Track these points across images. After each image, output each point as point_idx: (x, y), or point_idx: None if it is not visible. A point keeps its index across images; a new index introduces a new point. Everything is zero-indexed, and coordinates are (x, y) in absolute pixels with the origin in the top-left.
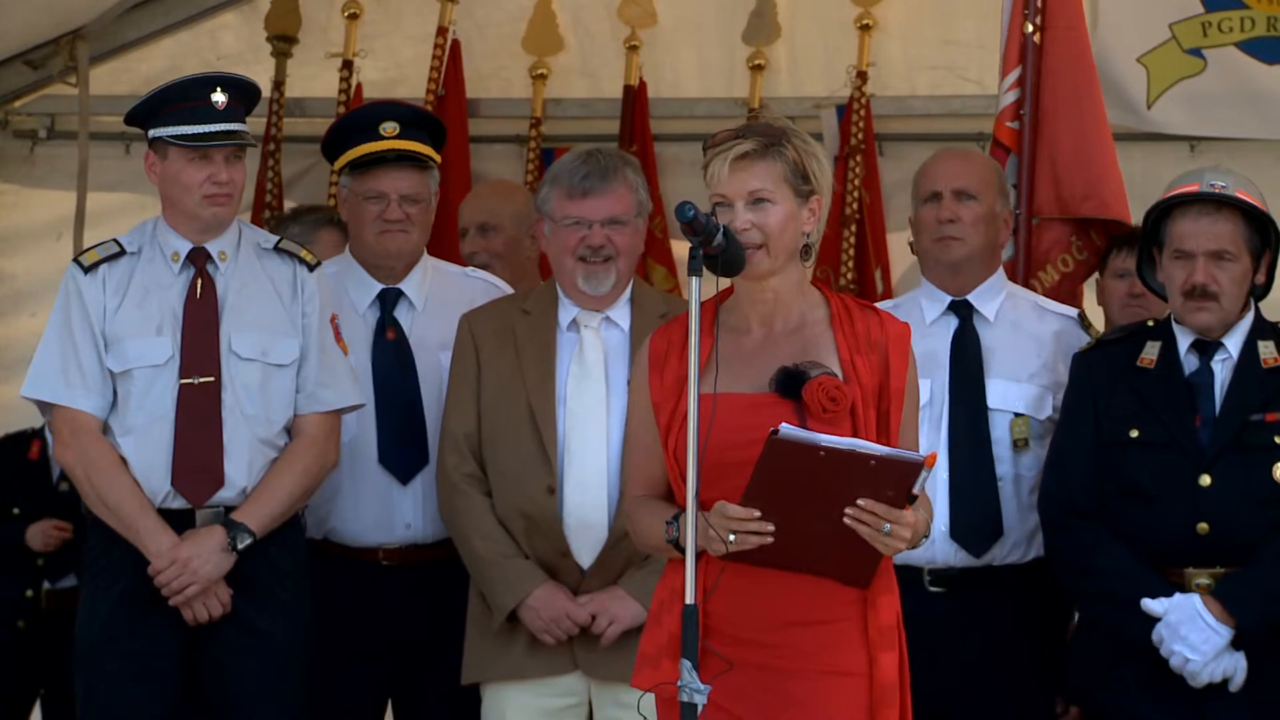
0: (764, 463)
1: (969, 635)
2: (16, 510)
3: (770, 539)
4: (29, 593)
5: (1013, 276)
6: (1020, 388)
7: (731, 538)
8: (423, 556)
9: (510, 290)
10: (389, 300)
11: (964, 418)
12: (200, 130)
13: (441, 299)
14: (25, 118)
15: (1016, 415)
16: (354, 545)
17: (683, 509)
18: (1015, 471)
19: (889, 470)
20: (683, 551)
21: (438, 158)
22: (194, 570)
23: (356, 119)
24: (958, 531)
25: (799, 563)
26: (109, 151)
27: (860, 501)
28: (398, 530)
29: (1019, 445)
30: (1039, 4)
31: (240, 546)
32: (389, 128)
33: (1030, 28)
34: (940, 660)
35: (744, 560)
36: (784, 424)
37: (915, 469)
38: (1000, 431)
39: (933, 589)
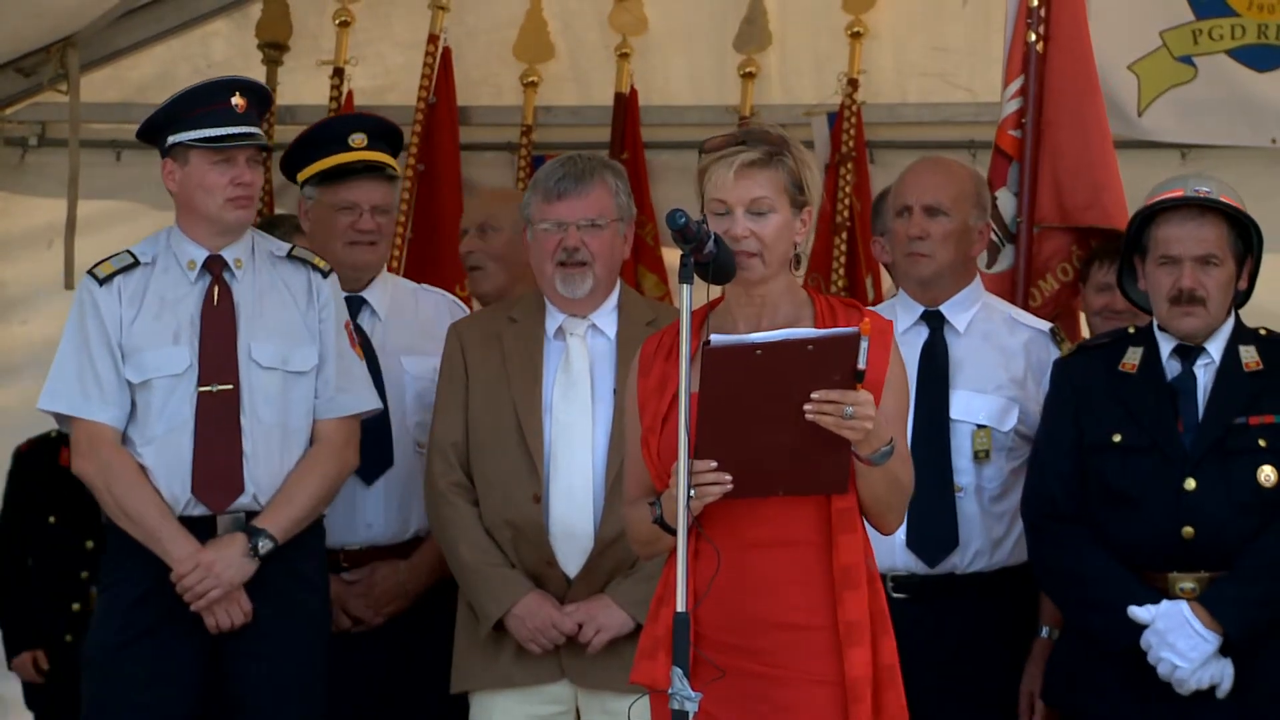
0: (706, 380)
1: (932, 641)
2: (53, 519)
3: (730, 487)
4: (75, 606)
5: (1013, 285)
6: (985, 399)
7: (692, 493)
8: (380, 559)
9: (466, 310)
10: (353, 308)
11: (925, 428)
12: (223, 132)
13: (399, 309)
14: (16, 125)
15: (979, 427)
16: None
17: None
18: (977, 483)
19: (829, 350)
20: (668, 529)
21: (397, 166)
22: (217, 574)
23: (325, 130)
24: (913, 540)
25: (772, 485)
26: (100, 159)
27: (815, 395)
28: (359, 531)
29: (980, 457)
30: (1042, 13)
31: (262, 552)
32: (357, 139)
33: (1033, 36)
34: (904, 667)
35: (722, 497)
36: (714, 335)
37: (854, 342)
38: (962, 442)
39: (895, 595)
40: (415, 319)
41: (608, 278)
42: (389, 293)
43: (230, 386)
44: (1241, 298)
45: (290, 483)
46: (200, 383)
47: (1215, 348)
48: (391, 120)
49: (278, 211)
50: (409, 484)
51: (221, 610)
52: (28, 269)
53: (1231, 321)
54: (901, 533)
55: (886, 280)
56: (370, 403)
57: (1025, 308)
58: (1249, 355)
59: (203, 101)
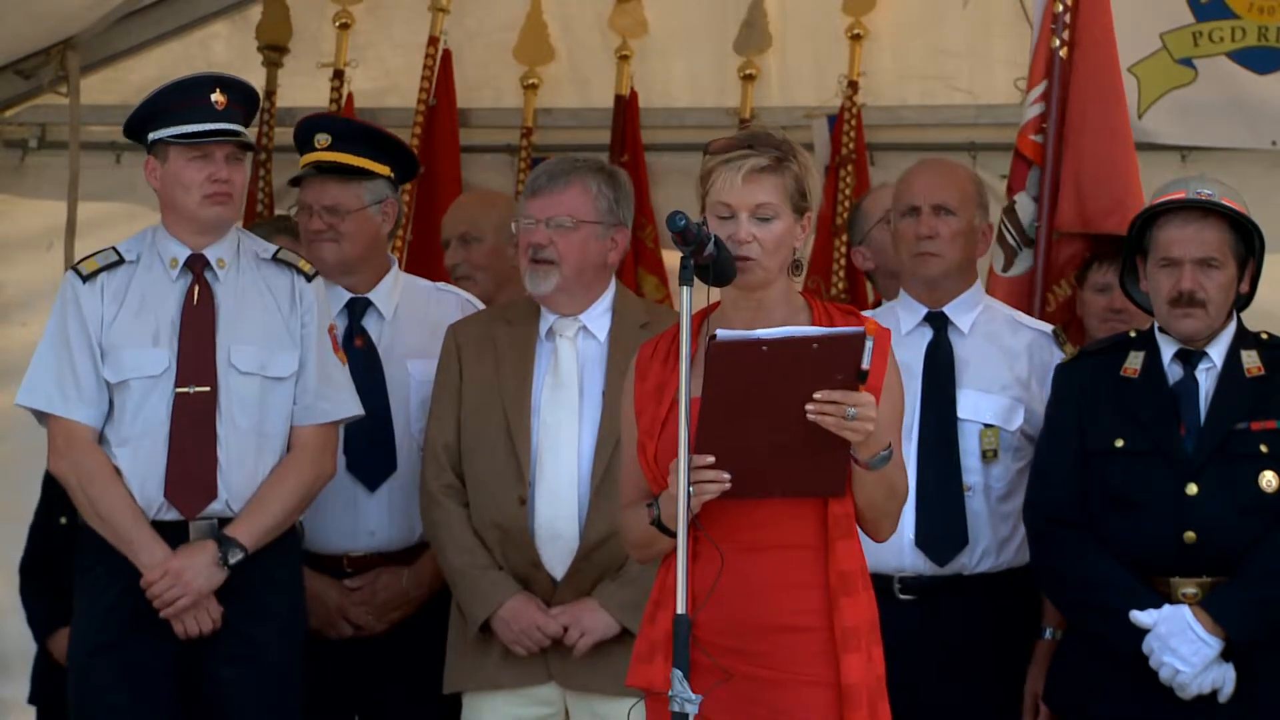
0: (710, 374)
1: (939, 643)
2: (64, 520)
3: (728, 485)
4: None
5: (1030, 290)
6: (991, 399)
7: (690, 490)
8: (385, 565)
9: (481, 306)
10: (357, 309)
11: (933, 428)
12: (200, 129)
13: (410, 311)
14: (16, 127)
15: (986, 426)
16: (319, 552)
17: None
18: (985, 482)
19: (834, 350)
20: (666, 531)
21: (379, 168)
22: (186, 582)
23: (298, 133)
24: (922, 540)
25: (769, 486)
26: (100, 161)
27: (817, 395)
28: (361, 538)
29: (988, 456)
30: (1067, 20)
31: (231, 561)
32: (321, 139)
33: (1057, 42)
34: (910, 668)
35: (719, 496)
36: (719, 329)
37: (859, 341)
38: (970, 442)
39: (902, 597)
40: (426, 321)
41: (578, 279)
42: (399, 294)
43: (208, 389)
44: (1243, 301)
45: (264, 490)
46: (178, 384)
47: (1217, 352)
48: (371, 122)
49: (277, 213)
50: (413, 489)
51: (190, 617)
52: (27, 271)
53: (1233, 325)
54: (910, 532)
55: None
56: (351, 409)
57: (1041, 313)
58: (1250, 360)
59: (182, 97)
